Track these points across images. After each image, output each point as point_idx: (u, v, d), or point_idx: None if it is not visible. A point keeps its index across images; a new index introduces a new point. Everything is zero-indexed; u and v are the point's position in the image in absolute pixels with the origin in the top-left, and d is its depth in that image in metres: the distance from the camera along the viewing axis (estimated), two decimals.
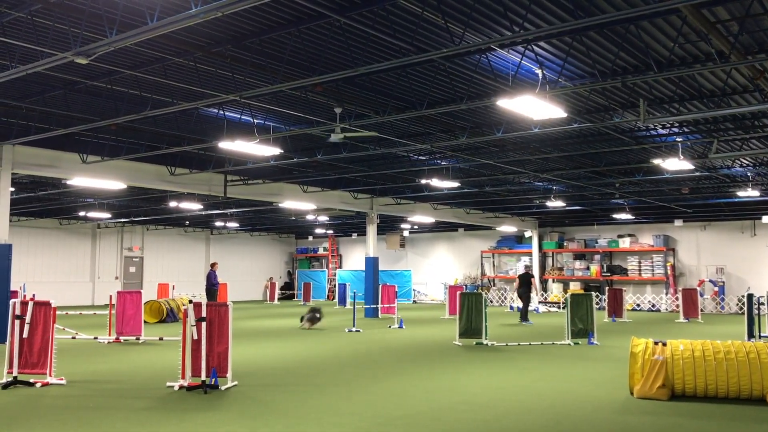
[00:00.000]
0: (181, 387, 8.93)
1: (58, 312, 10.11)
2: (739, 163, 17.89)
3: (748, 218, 28.00)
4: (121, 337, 14.79)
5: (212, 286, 20.92)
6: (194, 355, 9.02)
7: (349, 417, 7.27)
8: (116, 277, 33.17)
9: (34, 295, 11.76)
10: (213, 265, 21.40)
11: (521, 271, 23.09)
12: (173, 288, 27.07)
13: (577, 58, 9.96)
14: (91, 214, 27.62)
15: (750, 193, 20.95)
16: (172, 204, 23.77)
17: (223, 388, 8.90)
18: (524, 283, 20.94)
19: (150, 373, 10.31)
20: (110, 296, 15.57)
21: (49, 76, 10.93)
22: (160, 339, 14.54)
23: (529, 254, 32.84)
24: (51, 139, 14.43)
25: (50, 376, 9.36)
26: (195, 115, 13.40)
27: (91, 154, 16.28)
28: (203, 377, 8.85)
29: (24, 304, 9.51)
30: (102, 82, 11.26)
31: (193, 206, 23.92)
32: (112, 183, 17.33)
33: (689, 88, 11.47)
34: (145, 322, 16.93)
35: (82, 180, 16.68)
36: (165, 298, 24.70)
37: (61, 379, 9.41)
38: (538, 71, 10.13)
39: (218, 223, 33.71)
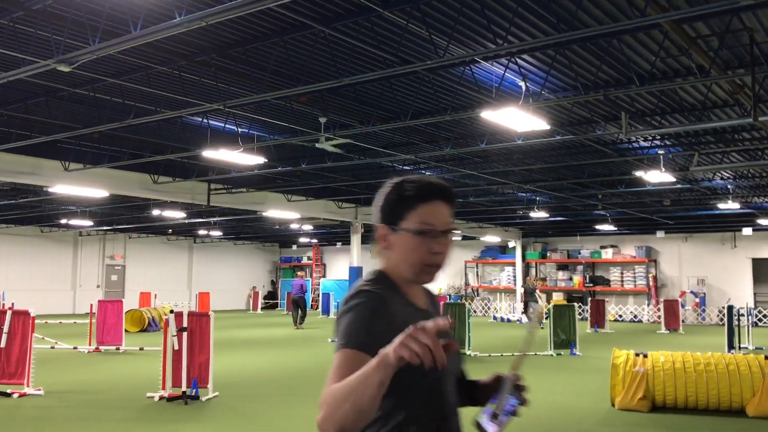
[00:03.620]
0: (161, 398, 8.86)
1: (37, 321, 10.00)
2: (720, 175, 18.08)
3: (729, 230, 28.29)
4: (101, 347, 14.64)
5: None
6: (175, 365, 8.95)
7: None
8: (98, 286, 32.87)
9: (12, 304, 11.64)
10: (300, 275, 24.64)
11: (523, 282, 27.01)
12: (155, 297, 26.86)
13: (560, 71, 10.03)
14: (73, 222, 27.38)
15: (730, 205, 21.17)
16: (155, 212, 23.62)
17: (204, 398, 8.83)
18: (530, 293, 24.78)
19: (130, 384, 10.21)
20: (91, 305, 15.42)
21: (31, 83, 10.84)
22: (141, 349, 14.41)
23: (513, 264, 32.95)
24: (32, 146, 14.30)
25: (28, 386, 9.25)
26: (179, 123, 13.34)
27: (73, 161, 16.15)
28: (184, 388, 8.78)
29: (2, 313, 9.39)
30: (85, 89, 11.19)
31: (176, 215, 23.79)
32: (94, 191, 17.20)
33: (671, 101, 11.59)
34: (126, 331, 16.77)
35: (64, 188, 16.54)
36: (147, 307, 24.51)
37: (39, 390, 9.30)
38: (522, 84, 10.19)
39: (201, 232, 33.54)
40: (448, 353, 1.62)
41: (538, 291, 26.57)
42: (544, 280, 32.20)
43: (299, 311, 23.06)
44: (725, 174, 17.88)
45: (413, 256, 1.84)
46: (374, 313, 1.76)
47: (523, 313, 25.78)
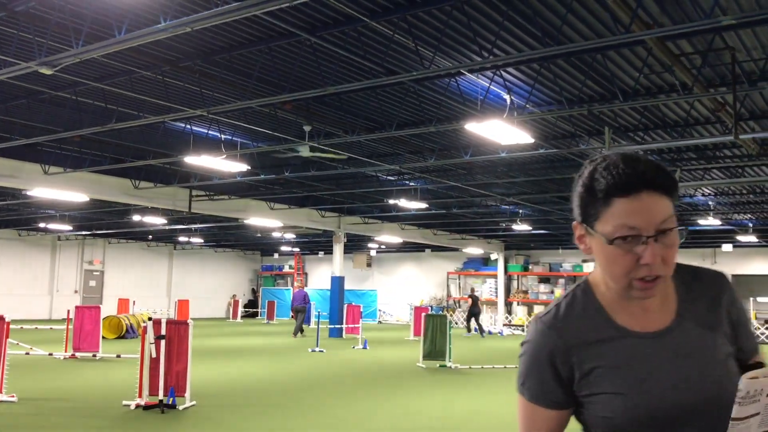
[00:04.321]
0: (137, 406, 8.72)
1: (13, 326, 9.83)
2: (701, 192, 18.25)
3: (709, 246, 28.56)
4: (77, 353, 14.44)
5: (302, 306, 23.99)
6: (152, 373, 8.83)
7: None
8: (75, 291, 32.48)
9: None
10: (301, 285, 25.27)
11: (474, 292, 27.69)
12: (134, 303, 26.59)
13: (545, 85, 10.09)
14: (52, 226, 27.07)
15: (711, 221, 21.37)
16: (136, 218, 23.42)
17: (181, 407, 8.71)
18: (475, 303, 26.05)
19: (106, 391, 10.06)
20: (68, 311, 15.20)
21: (12, 85, 10.71)
22: (118, 356, 14.20)
23: (495, 276, 33.02)
24: (12, 148, 14.13)
25: (1, 393, 9.07)
26: (161, 128, 13.24)
27: (53, 165, 15.98)
28: (161, 396, 8.66)
29: None
30: (67, 93, 11.08)
31: (157, 220, 23.59)
32: (74, 195, 17.01)
33: (653, 117, 11.69)
34: (103, 337, 16.54)
35: (43, 191, 16.35)
36: (125, 313, 24.23)
37: (12, 396, 9.12)
38: (506, 97, 10.23)
39: (182, 238, 33.29)
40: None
41: (480, 301, 27.71)
42: (525, 292, 32.30)
43: (299, 321, 23.52)
44: (706, 190, 18.05)
45: (614, 268, 1.36)
46: (539, 355, 1.45)
47: (477, 324, 26.34)
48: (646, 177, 1.33)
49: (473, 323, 26.67)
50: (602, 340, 1.42)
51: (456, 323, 32.48)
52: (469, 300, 26.73)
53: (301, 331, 23.50)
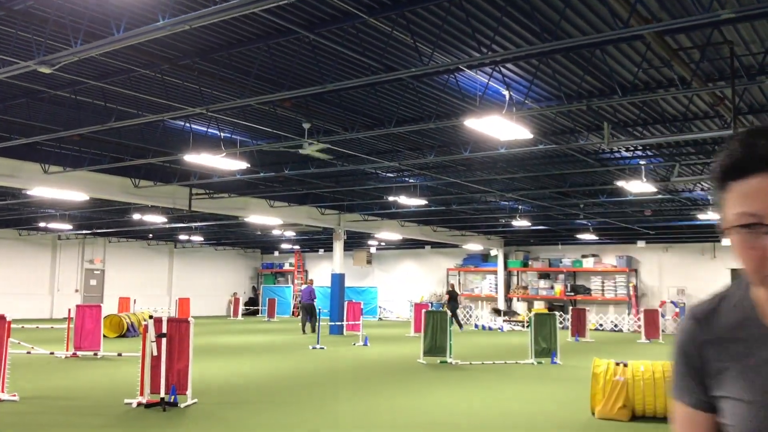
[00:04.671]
0: (139, 404, 8.75)
1: (14, 325, 9.85)
2: (700, 186, 18.26)
3: (709, 241, 28.57)
4: (78, 352, 14.46)
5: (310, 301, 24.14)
6: (154, 371, 8.85)
7: None
8: (76, 290, 32.49)
9: None
10: (310, 281, 25.78)
11: (453, 288, 28.72)
12: (135, 302, 26.60)
13: (544, 80, 10.09)
14: (52, 225, 27.07)
15: (710, 216, 21.39)
16: (136, 216, 23.42)
17: (182, 405, 8.74)
18: (453, 298, 26.98)
19: (108, 390, 10.08)
20: (69, 310, 15.22)
21: (11, 84, 10.71)
22: (119, 354, 14.23)
23: (495, 273, 33.03)
24: (12, 148, 14.14)
25: (2, 392, 9.10)
26: (160, 127, 13.24)
27: (53, 164, 15.97)
28: (162, 394, 8.68)
29: None
30: (66, 91, 11.07)
31: (157, 219, 23.60)
32: (74, 194, 17.01)
33: (652, 112, 11.69)
34: (104, 336, 16.57)
35: (43, 191, 16.35)
36: (126, 312, 24.25)
37: (14, 396, 9.15)
38: (505, 92, 10.23)
39: (182, 237, 33.30)
40: None
41: (460, 297, 28.57)
42: (525, 288, 32.30)
43: (309, 317, 23.76)
44: (705, 185, 18.05)
45: (743, 262, 1.16)
46: (679, 348, 1.31)
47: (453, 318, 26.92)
48: (763, 155, 1.12)
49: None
50: (743, 338, 1.22)
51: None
52: (447, 296, 27.03)
53: (304, 328, 23.54)
